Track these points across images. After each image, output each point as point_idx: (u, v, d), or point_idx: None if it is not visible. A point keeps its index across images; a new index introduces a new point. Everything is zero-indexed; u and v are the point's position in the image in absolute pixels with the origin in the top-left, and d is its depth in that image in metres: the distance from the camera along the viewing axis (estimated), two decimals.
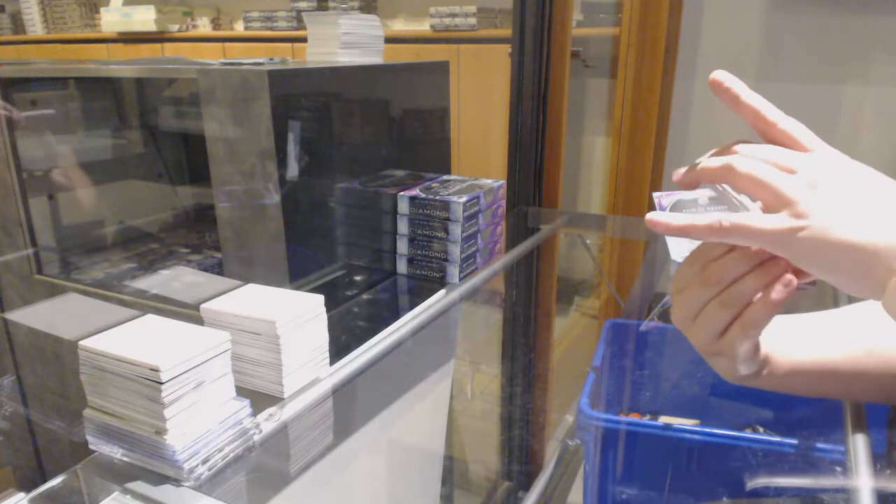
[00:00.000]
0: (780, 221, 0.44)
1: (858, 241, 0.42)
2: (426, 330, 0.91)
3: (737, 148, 0.48)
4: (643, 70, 1.85)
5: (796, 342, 0.62)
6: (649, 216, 0.47)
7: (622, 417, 1.15)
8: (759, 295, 0.48)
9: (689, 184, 0.49)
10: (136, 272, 1.31)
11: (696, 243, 0.50)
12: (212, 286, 1.24)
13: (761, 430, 1.11)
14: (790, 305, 0.49)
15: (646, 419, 1.21)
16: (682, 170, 0.49)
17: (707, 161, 0.48)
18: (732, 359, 0.53)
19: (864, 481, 0.61)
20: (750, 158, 0.46)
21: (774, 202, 0.44)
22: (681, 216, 0.46)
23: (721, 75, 0.47)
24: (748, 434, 0.96)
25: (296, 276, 0.97)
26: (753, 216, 0.44)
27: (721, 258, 0.49)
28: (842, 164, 0.45)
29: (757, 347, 0.55)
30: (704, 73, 1.97)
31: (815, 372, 0.62)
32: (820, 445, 0.88)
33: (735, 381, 0.58)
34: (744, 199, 0.47)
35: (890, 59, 1.73)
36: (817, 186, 0.44)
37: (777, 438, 0.91)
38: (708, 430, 0.95)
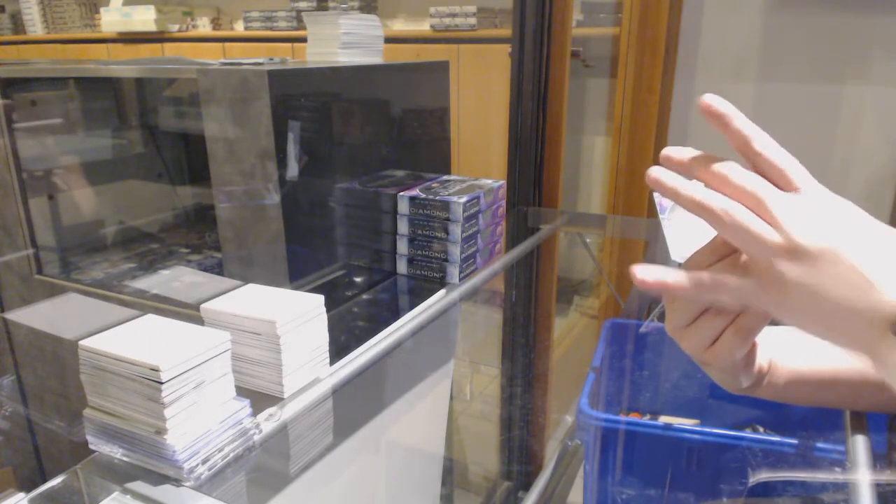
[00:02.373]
0: (759, 285, 0.43)
1: (838, 309, 0.41)
2: (426, 330, 0.91)
3: (726, 172, 0.43)
4: (643, 70, 1.85)
5: (798, 352, 0.62)
6: (637, 273, 0.44)
7: (622, 417, 1.15)
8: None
9: (665, 195, 0.46)
10: (136, 272, 1.31)
11: (697, 244, 0.50)
12: (212, 286, 1.24)
13: (761, 429, 1.10)
14: None
15: (646, 419, 1.21)
16: (664, 180, 0.44)
17: (689, 190, 0.44)
18: (724, 369, 0.53)
19: (863, 481, 0.61)
20: (730, 203, 0.42)
21: (755, 258, 0.43)
22: (671, 274, 0.45)
23: (710, 99, 0.43)
24: (748, 434, 0.96)
25: (296, 276, 0.97)
26: (733, 279, 0.44)
27: (711, 267, 0.48)
28: (828, 213, 0.42)
29: (751, 359, 0.56)
30: (704, 73, 1.97)
31: (817, 381, 0.62)
32: (820, 445, 0.88)
33: (735, 392, 0.58)
34: None
35: (890, 58, 1.73)
36: (798, 248, 0.41)
37: (777, 438, 0.91)
38: (708, 429, 0.95)
